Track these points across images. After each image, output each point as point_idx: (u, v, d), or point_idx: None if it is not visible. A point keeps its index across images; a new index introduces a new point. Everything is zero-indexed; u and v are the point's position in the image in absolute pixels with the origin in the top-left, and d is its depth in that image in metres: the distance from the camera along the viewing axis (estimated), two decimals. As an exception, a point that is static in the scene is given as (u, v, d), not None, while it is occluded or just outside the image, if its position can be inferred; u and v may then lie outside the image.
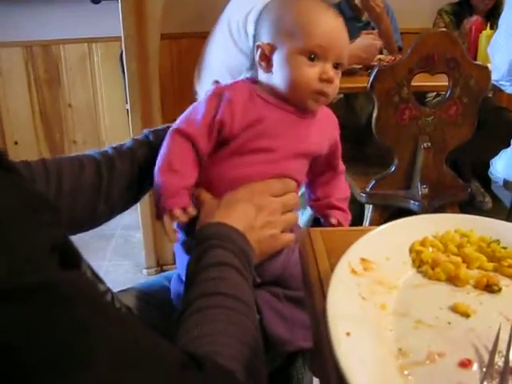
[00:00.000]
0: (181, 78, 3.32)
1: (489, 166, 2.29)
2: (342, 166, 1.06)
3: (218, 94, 0.90)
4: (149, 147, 0.95)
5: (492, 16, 3.06)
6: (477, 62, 2.08)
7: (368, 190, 2.13)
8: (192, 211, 0.86)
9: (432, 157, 2.01)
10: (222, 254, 0.72)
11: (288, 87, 0.89)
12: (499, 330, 0.55)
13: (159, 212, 0.86)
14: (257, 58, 0.91)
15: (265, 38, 0.90)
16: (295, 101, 0.91)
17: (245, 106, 0.89)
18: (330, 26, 0.88)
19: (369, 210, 2.16)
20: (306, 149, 0.95)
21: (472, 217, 0.76)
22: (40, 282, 0.39)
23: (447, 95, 1.98)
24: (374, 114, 1.96)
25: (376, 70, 1.92)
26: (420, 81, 2.02)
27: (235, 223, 0.78)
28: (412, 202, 2.06)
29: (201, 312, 0.63)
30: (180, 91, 3.30)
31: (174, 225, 0.87)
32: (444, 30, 2.08)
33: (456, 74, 1.93)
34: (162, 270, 2.63)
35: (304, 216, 2.36)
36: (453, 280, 0.66)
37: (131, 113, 2.29)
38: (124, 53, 2.22)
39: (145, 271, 2.67)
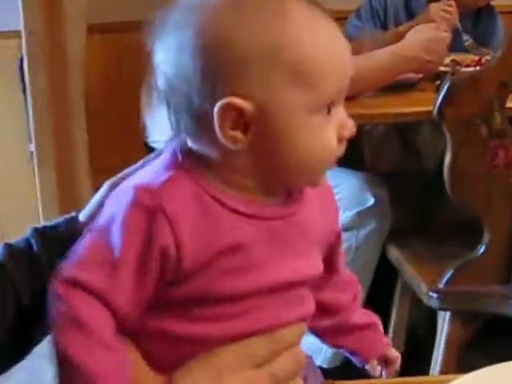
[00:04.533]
0: (123, 97, 2.75)
1: None
2: (343, 263, 0.88)
3: (145, 206, 0.68)
4: None
5: None
6: None
7: (442, 285, 1.70)
8: None
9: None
10: None
11: (292, 169, 0.72)
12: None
13: None
14: (220, 126, 0.68)
15: (235, 88, 0.68)
16: (289, 185, 0.75)
17: (196, 224, 0.70)
18: (341, 53, 0.70)
19: (444, 320, 1.73)
20: (312, 265, 0.78)
21: None
22: None
23: None
24: (447, 158, 1.59)
25: (447, 85, 1.53)
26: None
27: None
28: (516, 305, 1.73)
29: None
30: (121, 120, 2.76)
31: None
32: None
33: None
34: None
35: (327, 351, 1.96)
36: None
37: (38, 159, 1.98)
38: (25, 61, 1.91)
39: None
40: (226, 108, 0.67)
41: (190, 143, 0.72)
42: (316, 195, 0.77)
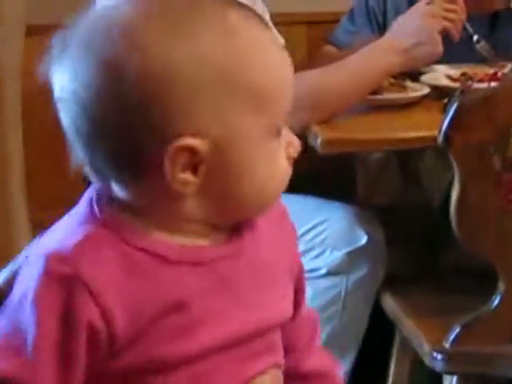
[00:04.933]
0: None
1: None
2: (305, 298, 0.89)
3: (58, 278, 0.66)
4: None
5: None
6: None
7: (448, 344, 1.52)
8: None
9: None
10: None
11: (246, 204, 0.73)
12: None
13: None
14: (171, 170, 0.66)
15: (187, 126, 0.67)
16: (239, 220, 0.75)
17: (123, 287, 0.68)
18: (288, 68, 0.73)
19: (451, 386, 1.61)
20: (281, 305, 0.78)
21: None
22: None
23: None
24: (455, 192, 1.46)
25: (455, 106, 1.40)
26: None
27: None
28: (535, 368, 1.56)
29: None
30: (64, 141, 2.87)
31: None
32: None
33: None
34: None
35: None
36: None
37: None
38: None
39: None
40: (179, 150, 0.66)
41: (113, 190, 0.69)
42: (265, 221, 0.75)
